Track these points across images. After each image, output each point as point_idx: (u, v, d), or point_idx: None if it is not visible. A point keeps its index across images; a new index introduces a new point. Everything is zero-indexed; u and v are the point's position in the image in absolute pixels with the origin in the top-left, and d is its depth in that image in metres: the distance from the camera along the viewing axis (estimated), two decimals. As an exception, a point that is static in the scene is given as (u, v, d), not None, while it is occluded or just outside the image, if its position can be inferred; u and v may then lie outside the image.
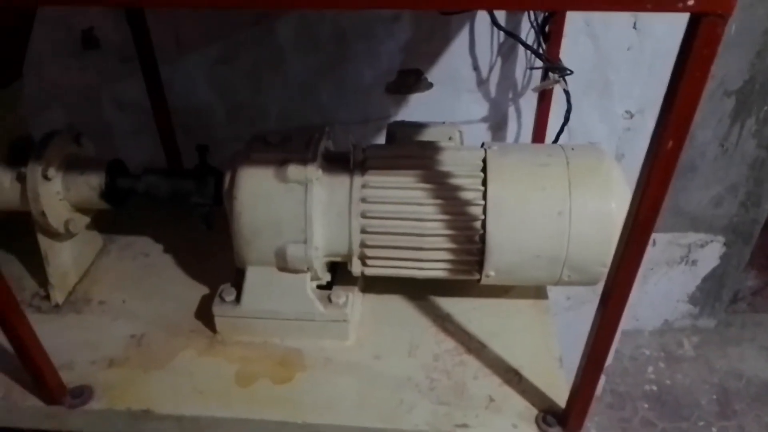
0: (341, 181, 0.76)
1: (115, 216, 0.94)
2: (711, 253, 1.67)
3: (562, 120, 1.00)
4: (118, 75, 1.07)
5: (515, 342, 0.82)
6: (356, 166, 0.77)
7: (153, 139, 1.14)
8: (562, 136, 1.03)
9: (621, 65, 1.05)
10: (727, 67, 1.31)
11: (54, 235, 0.85)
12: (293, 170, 0.73)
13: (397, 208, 0.75)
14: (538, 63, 1.02)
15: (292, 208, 0.74)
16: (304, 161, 0.74)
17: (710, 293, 1.77)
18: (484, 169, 0.76)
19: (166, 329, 0.85)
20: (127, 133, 1.13)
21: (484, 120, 1.11)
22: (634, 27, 1.01)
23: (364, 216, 0.76)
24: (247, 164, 0.75)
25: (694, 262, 1.67)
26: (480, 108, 1.10)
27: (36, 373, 0.71)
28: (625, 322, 1.64)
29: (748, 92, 1.37)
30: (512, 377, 0.78)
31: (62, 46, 1.03)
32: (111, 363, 0.80)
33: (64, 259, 0.88)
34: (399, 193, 0.76)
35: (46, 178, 0.76)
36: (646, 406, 1.65)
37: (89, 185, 0.80)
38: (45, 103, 1.09)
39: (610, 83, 1.07)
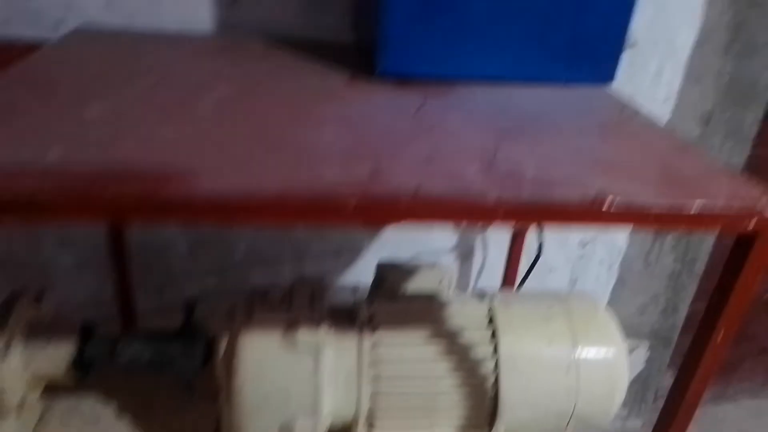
0: (349, 341, 0.73)
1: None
2: (637, 357, 1.77)
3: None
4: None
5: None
6: (363, 325, 0.74)
7: (97, 276, 1.03)
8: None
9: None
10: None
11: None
12: (303, 336, 0.68)
13: (411, 367, 0.72)
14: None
15: (301, 378, 0.68)
16: (313, 323, 0.69)
17: (637, 395, 1.86)
18: (491, 322, 0.76)
19: None
20: (69, 268, 1.02)
21: (452, 250, 1.12)
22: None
23: (375, 380, 0.72)
24: (250, 329, 0.69)
25: (624, 368, 1.76)
26: (449, 239, 1.11)
27: None
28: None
29: (666, 214, 1.52)
30: None
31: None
32: None
33: (5, 437, 0.74)
34: (411, 352, 0.73)
35: (7, 351, 0.65)
36: None
37: (57, 357, 0.69)
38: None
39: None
